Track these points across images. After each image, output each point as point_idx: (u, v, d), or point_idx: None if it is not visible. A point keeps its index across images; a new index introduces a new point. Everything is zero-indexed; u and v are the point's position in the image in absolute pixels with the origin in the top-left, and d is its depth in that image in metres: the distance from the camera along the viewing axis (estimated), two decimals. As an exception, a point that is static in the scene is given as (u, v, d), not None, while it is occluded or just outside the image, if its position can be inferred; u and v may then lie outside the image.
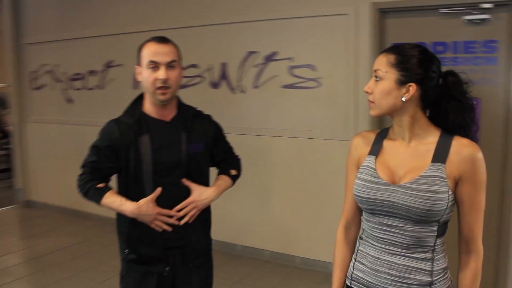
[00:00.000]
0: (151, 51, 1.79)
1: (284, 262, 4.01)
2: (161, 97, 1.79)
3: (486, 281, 3.28)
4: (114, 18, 4.85)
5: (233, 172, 2.06)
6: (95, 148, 1.86)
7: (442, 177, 1.33)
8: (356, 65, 3.52)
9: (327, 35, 3.64)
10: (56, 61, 5.44)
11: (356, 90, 3.52)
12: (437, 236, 1.39)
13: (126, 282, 1.91)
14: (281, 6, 3.82)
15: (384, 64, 1.39)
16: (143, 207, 1.76)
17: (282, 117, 3.92)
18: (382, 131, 1.52)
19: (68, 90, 5.38)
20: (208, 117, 2.04)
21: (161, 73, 1.76)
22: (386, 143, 1.47)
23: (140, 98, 1.91)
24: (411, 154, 1.40)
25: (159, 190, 1.78)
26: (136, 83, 4.70)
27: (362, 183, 1.44)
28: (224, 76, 4.21)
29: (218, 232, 4.26)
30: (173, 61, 1.80)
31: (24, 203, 5.89)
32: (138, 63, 1.86)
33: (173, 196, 1.82)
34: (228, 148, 2.14)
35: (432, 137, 1.40)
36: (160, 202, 1.79)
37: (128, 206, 1.78)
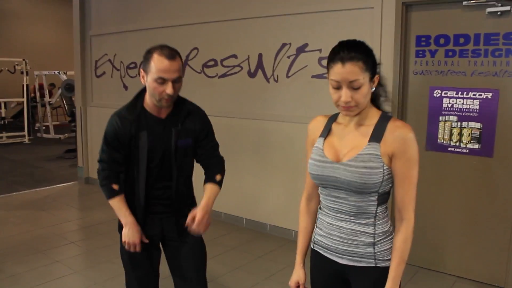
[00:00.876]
0: (160, 68, 1.93)
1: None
2: (165, 105, 2.03)
3: (499, 268, 3.38)
4: (164, 12, 5.29)
5: (218, 177, 2.21)
6: (105, 145, 2.10)
7: (377, 155, 1.53)
8: (380, 56, 3.69)
9: (353, 27, 3.84)
10: (115, 51, 6.00)
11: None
12: (378, 205, 1.60)
13: (122, 246, 2.19)
14: (312, 1, 4.06)
15: (359, 73, 1.49)
16: (130, 231, 2.08)
17: (311, 105, 4.17)
18: (332, 116, 1.73)
19: (124, 78, 5.92)
20: (200, 114, 2.19)
21: (169, 89, 1.95)
22: (334, 126, 1.68)
23: (141, 93, 2.11)
24: (354, 135, 1.61)
25: (145, 240, 2.13)
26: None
27: (313, 162, 1.67)
28: (260, 66, 4.51)
29: (249, 211, 4.65)
30: (179, 77, 1.99)
31: (84, 179, 6.55)
32: (144, 68, 2.00)
33: (161, 177, 2.13)
34: (214, 145, 2.26)
35: (372, 119, 1.60)
36: (150, 181, 2.11)
37: (124, 220, 2.10)
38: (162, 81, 1.95)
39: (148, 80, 1.98)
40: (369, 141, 1.56)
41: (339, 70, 1.50)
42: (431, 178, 3.58)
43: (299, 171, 4.27)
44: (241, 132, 4.67)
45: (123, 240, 2.12)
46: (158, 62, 1.94)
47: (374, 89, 1.58)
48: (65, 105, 10.56)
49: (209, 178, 2.21)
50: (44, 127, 11.09)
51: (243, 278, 3.52)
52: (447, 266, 3.60)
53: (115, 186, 2.10)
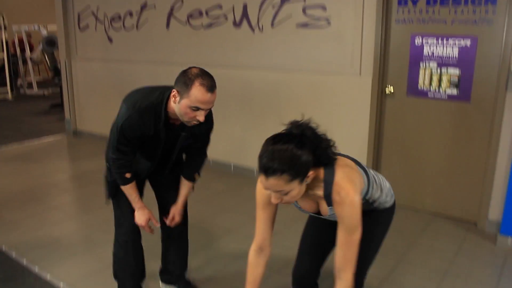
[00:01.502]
0: (200, 100, 1.96)
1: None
2: (189, 125, 2.12)
3: (472, 206, 3.62)
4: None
5: (196, 177, 2.44)
6: (123, 138, 2.13)
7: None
8: (362, 5, 3.77)
9: (337, -25, 3.89)
10: (97, 3, 5.92)
11: (361, 29, 3.80)
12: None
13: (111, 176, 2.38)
14: None
15: (283, 185, 1.50)
16: (141, 214, 2.31)
17: (295, 54, 4.26)
18: None
19: (108, 31, 5.88)
20: (207, 119, 2.18)
21: (201, 117, 2.01)
22: None
23: (164, 98, 2.11)
24: (311, 200, 1.77)
25: (156, 223, 2.38)
26: (168, 24, 5.14)
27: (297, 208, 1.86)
28: (245, 15, 4.54)
29: (237, 157, 4.81)
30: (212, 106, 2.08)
31: (72, 132, 6.61)
32: (179, 90, 1.99)
33: (165, 159, 2.35)
34: (206, 143, 2.40)
35: (318, 189, 1.64)
36: (149, 160, 2.32)
37: (135, 205, 2.31)
38: (197, 109, 1.99)
39: (182, 103, 1.99)
40: (328, 205, 1.67)
41: (263, 181, 1.52)
42: (411, 122, 3.75)
43: (285, 118, 4.40)
44: (228, 81, 4.76)
45: (136, 221, 2.32)
46: (199, 93, 1.96)
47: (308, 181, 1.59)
48: (47, 61, 10.41)
49: (188, 175, 2.42)
50: (26, 83, 10.96)
51: (231, 218, 3.71)
52: (425, 204, 3.84)
53: (128, 175, 2.23)
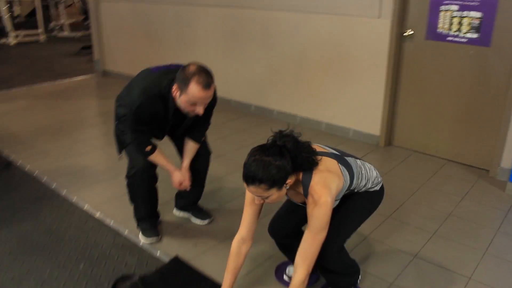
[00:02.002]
0: (196, 96, 2.16)
1: (312, 127, 4.59)
2: (190, 116, 2.33)
3: (486, 153, 3.63)
4: None
5: (202, 139, 2.63)
6: (138, 120, 2.31)
7: None
8: None
9: None
10: None
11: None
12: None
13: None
14: None
15: (262, 192, 1.67)
16: (177, 175, 2.49)
17: (318, -4, 4.22)
18: None
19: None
20: (212, 102, 2.38)
21: (200, 110, 2.23)
22: None
23: (171, 84, 2.27)
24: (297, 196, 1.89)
25: (187, 187, 2.58)
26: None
27: None
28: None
29: (257, 98, 4.90)
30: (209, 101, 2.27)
31: (101, 72, 6.82)
32: (179, 86, 2.19)
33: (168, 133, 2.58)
34: (210, 115, 2.58)
35: (299, 187, 1.77)
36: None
37: (168, 168, 2.47)
38: (195, 104, 2.20)
39: (182, 98, 2.21)
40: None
41: (246, 186, 1.69)
42: (430, 66, 3.73)
43: (306, 59, 4.44)
44: (249, 22, 4.78)
45: (176, 183, 2.50)
46: (195, 91, 2.15)
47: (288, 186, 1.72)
48: (78, 3, 10.53)
49: (196, 138, 2.56)
50: (58, 26, 11.16)
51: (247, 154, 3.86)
52: (439, 150, 3.88)
53: (149, 148, 2.40)
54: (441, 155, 3.88)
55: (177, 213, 2.91)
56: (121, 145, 2.56)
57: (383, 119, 4.03)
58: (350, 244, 2.63)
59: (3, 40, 9.90)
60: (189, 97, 2.18)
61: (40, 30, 10.47)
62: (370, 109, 4.10)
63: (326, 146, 1.96)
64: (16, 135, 4.31)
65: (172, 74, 2.30)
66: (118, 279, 2.28)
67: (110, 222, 2.83)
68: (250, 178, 1.65)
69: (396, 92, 3.97)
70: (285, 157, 1.66)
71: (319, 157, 1.78)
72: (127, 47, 6.33)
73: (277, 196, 1.71)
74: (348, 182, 1.84)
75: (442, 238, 2.71)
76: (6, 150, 3.92)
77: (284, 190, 1.71)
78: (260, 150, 1.67)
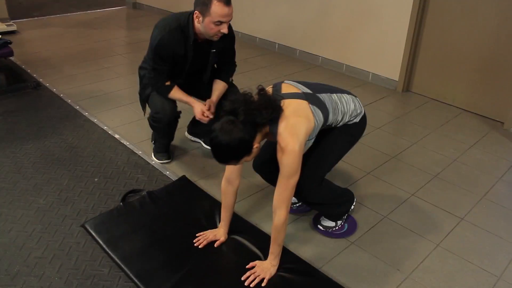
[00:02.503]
0: (220, 14, 2.21)
1: (333, 68, 4.59)
2: (215, 39, 2.36)
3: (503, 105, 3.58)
4: None
5: (231, 79, 2.69)
6: (159, 58, 2.40)
7: None
8: None
9: None
10: None
11: None
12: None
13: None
14: None
15: (235, 164, 1.79)
16: (197, 106, 2.50)
17: None
18: None
19: None
20: (229, 33, 2.41)
21: (224, 29, 2.28)
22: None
23: (190, 18, 2.36)
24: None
25: (210, 115, 2.53)
26: None
27: None
28: None
29: (281, 37, 4.90)
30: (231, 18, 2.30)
31: (132, 4, 6.87)
32: (201, 11, 2.25)
33: (194, 83, 2.63)
34: (234, 54, 2.67)
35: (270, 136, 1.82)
36: (185, 85, 2.56)
37: (188, 100, 2.52)
38: (220, 23, 2.25)
39: (205, 21, 2.26)
40: None
41: None
42: (455, 11, 3.63)
43: (329, 2, 4.37)
44: (279, -40, 4.69)
45: (199, 113, 2.51)
46: (218, 9, 2.21)
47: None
48: None
49: (223, 78, 2.65)
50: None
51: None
52: (456, 99, 3.85)
53: (168, 82, 2.49)
54: (457, 105, 3.85)
55: (189, 136, 3.07)
56: (144, 99, 2.66)
57: (403, 64, 4.00)
58: (350, 178, 2.75)
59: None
60: (212, 17, 2.24)
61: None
62: (390, 54, 4.06)
63: (302, 82, 1.96)
64: (46, 60, 4.50)
65: (189, 12, 2.38)
66: (128, 192, 2.48)
67: (126, 143, 3.01)
68: (218, 160, 1.75)
69: (419, 37, 3.90)
70: (241, 129, 1.66)
71: (285, 102, 1.78)
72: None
73: (251, 157, 1.78)
74: (322, 120, 1.87)
75: (442, 181, 2.78)
76: (36, 73, 4.12)
77: (255, 150, 1.75)
78: (217, 131, 1.68)
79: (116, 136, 3.10)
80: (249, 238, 2.15)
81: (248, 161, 1.84)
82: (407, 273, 2.05)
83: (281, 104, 1.76)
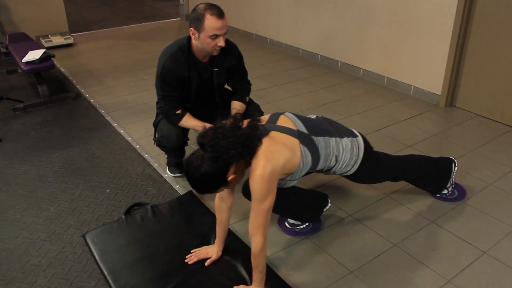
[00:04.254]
0: (214, 27, 2.20)
1: (374, 81, 4.39)
2: (215, 54, 2.33)
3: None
4: None
5: (247, 99, 2.63)
6: (165, 84, 2.40)
7: None
8: None
9: None
10: None
11: None
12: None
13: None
14: None
15: (213, 193, 1.78)
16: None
17: None
18: None
19: None
20: (234, 51, 2.48)
21: (221, 42, 2.25)
22: None
23: (188, 42, 2.37)
24: None
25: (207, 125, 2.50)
26: None
27: None
28: None
29: (324, 49, 4.78)
30: (226, 31, 2.28)
31: (185, 16, 7.06)
32: (195, 27, 2.24)
33: (206, 106, 2.60)
34: (245, 73, 2.63)
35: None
36: (198, 108, 2.55)
37: (202, 125, 2.39)
38: (215, 36, 2.23)
39: (201, 37, 2.25)
40: None
41: None
42: (503, 21, 3.32)
43: (371, 10, 4.20)
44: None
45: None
46: (212, 22, 2.20)
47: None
48: None
49: (240, 99, 2.60)
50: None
51: (298, 103, 3.87)
52: (504, 115, 3.51)
53: (179, 111, 2.47)
54: (505, 122, 3.51)
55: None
56: (154, 124, 2.67)
57: (446, 78, 3.72)
58: (365, 199, 2.58)
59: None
60: (207, 31, 2.22)
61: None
62: (433, 66, 3.80)
63: (302, 119, 1.91)
64: (92, 71, 4.72)
65: (187, 36, 2.38)
66: (133, 205, 2.50)
67: (145, 155, 3.06)
68: (197, 191, 1.75)
69: (463, 48, 3.61)
70: (209, 165, 1.63)
71: (274, 133, 1.76)
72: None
73: (231, 186, 1.76)
74: (310, 163, 1.82)
75: (470, 208, 2.53)
76: (80, 84, 4.34)
77: (233, 179, 1.71)
78: (187, 165, 1.68)
79: (137, 147, 3.16)
80: (241, 260, 2.08)
81: (233, 186, 1.80)
82: (406, 311, 1.87)
83: (266, 135, 1.73)
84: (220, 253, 2.11)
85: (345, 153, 1.97)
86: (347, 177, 2.16)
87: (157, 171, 2.87)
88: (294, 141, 1.80)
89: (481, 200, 2.59)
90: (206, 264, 2.07)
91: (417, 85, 4.00)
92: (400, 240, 2.27)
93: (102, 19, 7.22)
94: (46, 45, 5.38)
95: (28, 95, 4.08)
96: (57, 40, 5.54)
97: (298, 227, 2.29)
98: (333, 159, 1.94)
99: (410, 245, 2.24)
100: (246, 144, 1.65)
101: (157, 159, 2.99)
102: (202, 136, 1.67)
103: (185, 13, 7.04)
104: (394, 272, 2.07)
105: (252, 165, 1.67)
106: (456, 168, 2.51)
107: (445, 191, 2.55)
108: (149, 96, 4.08)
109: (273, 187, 1.68)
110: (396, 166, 2.36)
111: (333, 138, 1.93)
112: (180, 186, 2.72)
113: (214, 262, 2.08)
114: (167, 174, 2.83)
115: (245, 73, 2.66)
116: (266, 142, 1.71)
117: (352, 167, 2.03)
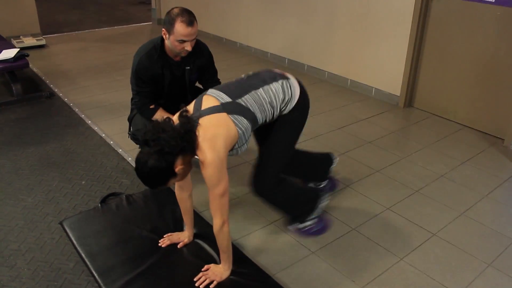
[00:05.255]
0: (182, 34, 2.33)
1: (338, 83, 4.63)
2: (183, 55, 2.48)
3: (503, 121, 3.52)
4: None
5: None
6: (140, 80, 2.52)
7: None
8: None
9: None
10: None
11: None
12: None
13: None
14: None
15: (165, 186, 1.83)
16: None
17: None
18: None
19: None
20: (205, 51, 2.65)
21: (188, 47, 2.39)
22: None
23: (161, 41, 2.50)
24: None
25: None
26: None
27: None
28: None
29: (291, 52, 4.99)
30: (196, 37, 2.43)
31: (156, 20, 7.17)
32: (166, 29, 2.38)
33: (178, 102, 2.61)
34: (215, 72, 2.80)
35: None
36: (171, 104, 2.65)
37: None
38: (183, 42, 2.37)
39: (170, 39, 2.39)
40: None
41: None
42: (455, 27, 3.61)
43: (336, 15, 4.44)
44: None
45: None
46: (180, 28, 2.32)
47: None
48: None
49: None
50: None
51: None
52: (457, 115, 3.80)
53: (152, 106, 2.61)
54: (458, 120, 3.80)
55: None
56: (129, 119, 2.80)
57: (404, 80, 3.99)
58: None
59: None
60: (175, 35, 2.37)
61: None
62: (392, 69, 4.06)
63: (224, 88, 2.01)
64: (65, 72, 4.79)
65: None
66: (108, 195, 2.62)
67: (119, 150, 3.18)
68: (147, 187, 1.84)
69: (420, 52, 3.89)
70: (156, 159, 1.69)
71: (204, 119, 1.83)
72: None
73: (181, 176, 1.82)
74: (248, 125, 1.94)
75: (423, 196, 2.76)
76: (53, 84, 4.41)
77: (184, 168, 1.79)
78: (136, 163, 1.76)
79: (111, 143, 3.27)
80: (211, 243, 2.23)
81: (179, 180, 1.89)
82: (361, 285, 2.06)
83: (198, 125, 1.80)
84: (191, 238, 2.26)
85: (277, 96, 2.05)
86: (279, 122, 2.15)
87: (131, 164, 3.00)
88: (222, 116, 1.87)
89: (434, 190, 2.83)
90: (178, 246, 2.21)
91: (378, 87, 4.25)
92: (358, 224, 2.48)
93: (74, 22, 7.26)
94: (17, 45, 5.41)
95: (1, 94, 4.12)
96: (29, 41, 5.58)
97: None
98: (268, 106, 2.02)
99: (367, 228, 2.44)
100: (186, 139, 1.73)
101: (131, 154, 3.11)
102: (145, 133, 1.74)
103: (157, 17, 7.17)
104: (352, 252, 2.27)
105: (199, 157, 1.78)
106: (323, 203, 2.46)
107: (303, 226, 2.41)
108: (123, 95, 4.19)
109: (222, 172, 1.81)
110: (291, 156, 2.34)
111: (260, 89, 2.01)
112: (154, 178, 2.85)
113: (185, 245, 2.23)
114: (141, 168, 2.96)
115: (215, 72, 2.83)
116: (201, 131, 1.79)
117: (286, 106, 2.09)
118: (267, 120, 2.07)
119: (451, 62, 3.71)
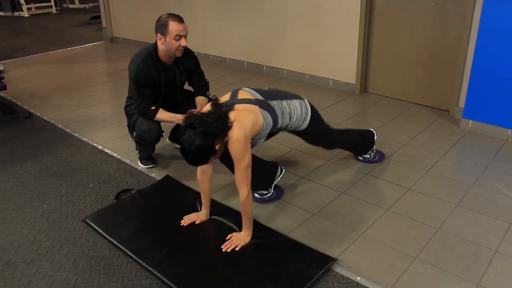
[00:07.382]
0: (177, 29, 2.69)
1: (297, 79, 5.07)
2: (179, 54, 2.81)
3: (447, 95, 4.06)
4: None
5: (207, 94, 3.10)
6: (140, 85, 2.80)
7: None
8: None
9: None
10: None
11: None
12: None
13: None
14: None
15: (205, 163, 2.20)
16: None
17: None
18: None
19: None
20: (192, 55, 3.01)
21: (183, 42, 2.74)
22: None
23: (154, 48, 2.82)
24: None
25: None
26: None
27: None
28: None
29: (249, 56, 5.36)
30: (187, 33, 2.77)
31: (109, 38, 7.32)
32: (161, 33, 2.71)
33: (170, 103, 3.01)
34: (202, 73, 3.13)
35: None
36: (165, 105, 2.96)
37: (174, 119, 2.89)
38: (179, 37, 2.72)
39: (167, 39, 2.72)
40: None
41: None
42: (397, 17, 4.15)
43: (289, 16, 4.87)
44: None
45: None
46: (174, 26, 2.70)
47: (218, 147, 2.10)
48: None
49: (202, 94, 3.09)
50: (69, -2, 11.64)
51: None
52: (408, 94, 4.33)
53: (153, 107, 2.89)
54: (409, 99, 4.33)
55: (169, 142, 3.47)
56: (131, 124, 3.04)
57: (358, 69, 4.48)
58: (310, 164, 3.15)
59: (18, 13, 10.45)
60: (171, 33, 2.71)
61: (51, 2, 10.98)
62: (346, 61, 4.55)
63: (258, 90, 2.42)
64: (34, 93, 4.88)
65: (155, 41, 2.83)
66: (120, 192, 2.85)
67: (115, 155, 3.39)
68: (191, 164, 2.14)
69: (369, 43, 4.41)
70: (201, 138, 2.00)
71: (237, 105, 2.22)
72: (133, 15, 6.80)
73: (218, 155, 2.14)
74: (271, 123, 2.35)
75: (394, 161, 3.21)
76: (27, 105, 4.50)
77: (219, 149, 2.10)
78: (183, 143, 2.03)
79: (106, 150, 3.48)
80: (227, 217, 2.53)
81: (216, 159, 2.22)
82: (361, 232, 2.44)
83: (232, 109, 2.18)
84: (208, 216, 2.55)
85: (296, 111, 2.50)
86: (301, 135, 2.69)
87: (130, 165, 3.23)
88: (255, 107, 2.29)
89: (401, 155, 3.29)
90: (196, 222, 2.50)
91: (335, 78, 4.73)
92: (345, 188, 2.87)
93: (23, 46, 7.24)
94: (-24, 74, 5.39)
95: (-24, 119, 4.17)
96: (-14, 69, 5.56)
97: (266, 196, 2.74)
98: (288, 117, 2.46)
99: (354, 191, 2.85)
100: (224, 120, 2.07)
101: (128, 156, 3.34)
102: (188, 119, 2.06)
103: (109, 35, 7.31)
104: (346, 209, 2.66)
105: (229, 135, 2.12)
106: (376, 137, 3.16)
107: (367, 156, 3.16)
108: (102, 108, 4.37)
109: (247, 147, 2.15)
110: (335, 134, 2.97)
111: (285, 101, 2.47)
112: (156, 174, 3.10)
113: (205, 222, 2.52)
114: (141, 167, 3.20)
115: (202, 73, 3.15)
116: (233, 114, 2.15)
117: (303, 122, 2.57)
118: (283, 128, 2.48)
119: (397, 49, 4.24)
